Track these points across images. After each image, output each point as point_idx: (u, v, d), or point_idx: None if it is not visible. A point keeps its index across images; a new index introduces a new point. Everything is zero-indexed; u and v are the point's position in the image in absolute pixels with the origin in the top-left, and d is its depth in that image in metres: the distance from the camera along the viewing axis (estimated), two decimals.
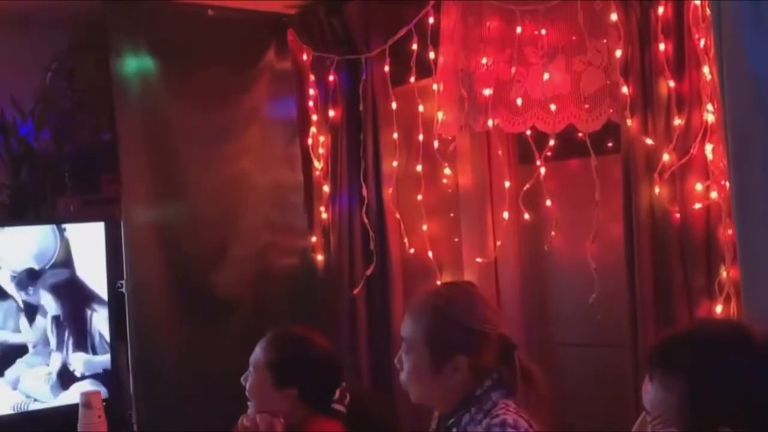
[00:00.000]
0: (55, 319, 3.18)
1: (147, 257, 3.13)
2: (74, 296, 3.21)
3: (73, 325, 3.19)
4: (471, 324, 2.01)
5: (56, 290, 3.18)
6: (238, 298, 3.32)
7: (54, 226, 3.15)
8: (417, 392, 2.08)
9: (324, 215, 3.47)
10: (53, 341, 3.16)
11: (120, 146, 3.09)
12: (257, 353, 2.44)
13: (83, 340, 3.20)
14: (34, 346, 3.14)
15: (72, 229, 3.18)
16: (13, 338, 3.12)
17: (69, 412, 3.01)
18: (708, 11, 2.29)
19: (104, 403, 3.06)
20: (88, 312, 3.22)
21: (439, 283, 3.11)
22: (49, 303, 3.17)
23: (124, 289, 3.09)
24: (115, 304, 3.18)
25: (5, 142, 3.30)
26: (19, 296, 3.12)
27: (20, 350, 3.12)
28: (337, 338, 3.17)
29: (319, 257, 3.51)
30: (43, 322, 3.15)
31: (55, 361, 3.17)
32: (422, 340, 2.03)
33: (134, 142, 3.13)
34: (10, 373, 3.09)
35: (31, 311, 3.14)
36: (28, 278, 3.13)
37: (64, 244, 3.17)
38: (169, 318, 3.17)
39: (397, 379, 3.13)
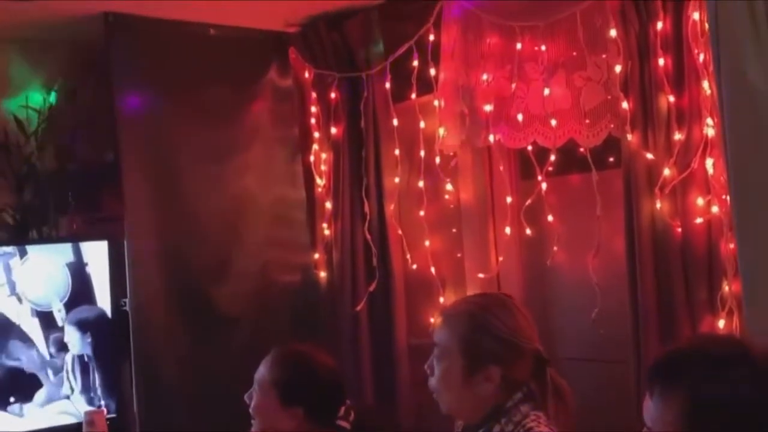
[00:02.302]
0: (80, 359, 3.22)
1: (150, 275, 3.14)
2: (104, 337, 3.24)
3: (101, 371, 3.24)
4: (507, 335, 2.00)
5: (83, 328, 3.22)
6: (242, 315, 3.33)
7: (64, 265, 3.19)
8: (447, 400, 2.05)
9: (326, 232, 3.48)
10: (77, 385, 3.20)
11: (122, 165, 3.11)
12: (262, 371, 2.44)
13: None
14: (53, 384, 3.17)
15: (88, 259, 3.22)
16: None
17: (72, 431, 3.02)
18: (707, 26, 2.30)
19: (108, 422, 3.07)
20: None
21: (442, 305, 3.12)
22: (74, 341, 3.21)
23: (127, 307, 3.10)
24: (119, 321, 3.18)
25: (8, 162, 3.31)
26: (41, 331, 3.15)
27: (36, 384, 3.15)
28: (340, 354, 3.17)
29: (322, 274, 3.51)
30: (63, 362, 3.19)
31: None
32: (456, 348, 2.01)
33: (136, 161, 3.15)
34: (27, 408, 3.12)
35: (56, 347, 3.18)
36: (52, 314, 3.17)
37: (78, 277, 3.20)
38: (173, 335, 3.17)
39: (400, 395, 3.18)
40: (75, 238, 3.30)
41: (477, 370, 1.99)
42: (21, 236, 3.29)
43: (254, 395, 2.43)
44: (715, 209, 2.40)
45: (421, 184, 3.20)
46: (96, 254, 3.24)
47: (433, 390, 2.07)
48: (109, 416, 3.16)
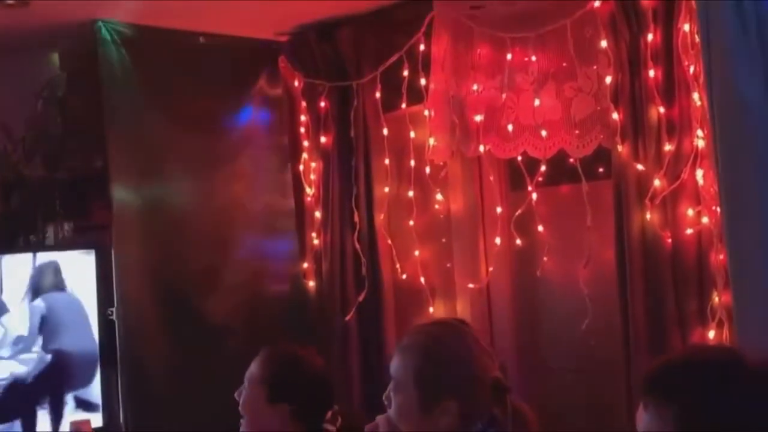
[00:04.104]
0: None
1: (137, 284, 3.12)
2: None
3: None
4: (463, 368, 1.97)
5: None
6: (230, 325, 3.31)
7: None
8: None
9: (316, 241, 3.47)
10: None
11: (111, 173, 3.09)
12: (252, 369, 2.46)
13: None
14: None
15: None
16: None
17: None
18: (697, 38, 2.31)
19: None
20: None
21: (431, 315, 3.11)
22: None
23: (114, 316, 3.07)
24: (106, 331, 3.16)
25: None
26: None
27: None
28: (330, 364, 3.14)
29: (311, 283, 3.50)
30: None
31: None
32: (411, 382, 1.98)
33: (125, 169, 3.13)
34: None
35: None
36: None
37: None
38: (160, 345, 3.15)
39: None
40: (62, 246, 3.28)
41: (433, 404, 1.96)
42: (7, 245, 3.26)
43: (243, 392, 2.45)
44: (705, 220, 2.41)
45: (411, 193, 3.20)
46: (83, 262, 3.21)
47: (392, 421, 2.04)
48: (95, 426, 3.13)
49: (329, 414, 2.45)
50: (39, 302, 3.12)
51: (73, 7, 2.96)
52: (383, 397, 2.06)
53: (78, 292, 3.20)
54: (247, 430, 2.44)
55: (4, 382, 3.06)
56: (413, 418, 1.99)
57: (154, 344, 3.14)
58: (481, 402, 1.97)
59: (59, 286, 3.16)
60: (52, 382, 3.14)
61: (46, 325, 3.12)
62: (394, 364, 2.04)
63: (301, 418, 2.39)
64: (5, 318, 3.09)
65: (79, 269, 3.20)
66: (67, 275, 3.19)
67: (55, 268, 3.15)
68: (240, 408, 2.44)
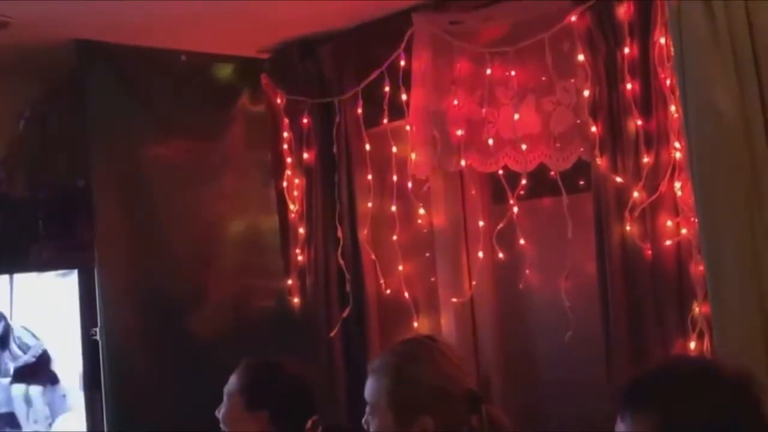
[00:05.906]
0: None
1: (121, 303, 3.12)
2: None
3: None
4: (433, 383, 1.98)
5: None
6: (216, 342, 3.30)
7: None
8: None
9: (300, 257, 3.47)
10: None
11: (94, 192, 3.09)
12: (230, 382, 2.49)
13: None
14: None
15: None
16: None
17: None
18: (673, 50, 2.33)
19: None
20: None
21: (416, 330, 3.11)
22: None
23: (98, 337, 3.06)
24: (89, 351, 3.15)
25: None
26: None
27: None
28: (315, 381, 3.14)
29: (296, 300, 3.50)
30: None
31: None
32: (385, 403, 2.00)
33: (108, 188, 3.13)
34: None
35: None
36: None
37: None
38: (145, 364, 3.14)
39: None
40: (45, 266, 3.27)
41: (408, 423, 1.97)
42: None
43: (223, 407, 2.47)
44: (684, 231, 2.42)
45: (393, 208, 3.20)
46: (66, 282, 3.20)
47: None
48: None
49: (310, 423, 2.45)
50: None
51: (53, 27, 2.96)
52: (362, 422, 2.07)
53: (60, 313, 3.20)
54: None
55: None
56: None
57: (139, 363, 3.13)
58: (455, 415, 1.98)
59: None
60: None
61: None
62: (367, 388, 2.06)
63: (281, 425, 2.40)
64: None
65: (62, 289, 3.20)
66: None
67: None
68: (221, 422, 2.45)
